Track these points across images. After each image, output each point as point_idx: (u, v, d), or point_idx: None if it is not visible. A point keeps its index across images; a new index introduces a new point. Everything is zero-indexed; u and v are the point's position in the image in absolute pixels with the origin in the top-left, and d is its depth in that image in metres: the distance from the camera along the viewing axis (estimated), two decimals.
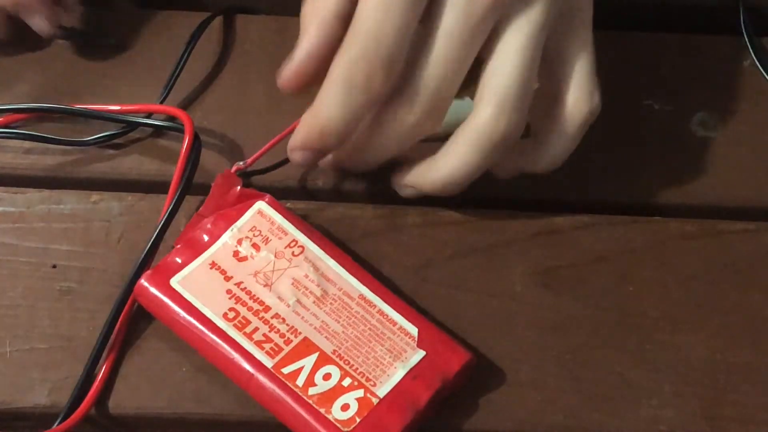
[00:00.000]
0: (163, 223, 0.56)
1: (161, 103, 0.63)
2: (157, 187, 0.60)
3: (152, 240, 0.56)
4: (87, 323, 0.56)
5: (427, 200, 0.61)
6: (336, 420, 0.51)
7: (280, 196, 0.59)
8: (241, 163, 0.59)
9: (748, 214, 0.61)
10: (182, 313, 0.54)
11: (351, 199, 0.61)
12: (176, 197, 0.57)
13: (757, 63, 0.66)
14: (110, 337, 0.55)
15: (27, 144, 0.62)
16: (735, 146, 0.63)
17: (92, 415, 0.53)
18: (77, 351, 0.55)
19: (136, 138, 0.62)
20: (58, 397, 0.54)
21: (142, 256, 0.56)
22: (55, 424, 0.52)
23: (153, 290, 0.54)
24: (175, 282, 0.54)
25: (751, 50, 0.66)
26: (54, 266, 0.58)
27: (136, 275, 0.55)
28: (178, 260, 0.55)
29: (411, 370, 0.52)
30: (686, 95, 0.65)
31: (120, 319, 0.55)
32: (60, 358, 0.55)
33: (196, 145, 0.58)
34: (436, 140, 0.62)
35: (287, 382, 0.52)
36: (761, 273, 0.58)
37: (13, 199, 0.60)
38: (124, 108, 0.61)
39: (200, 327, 0.53)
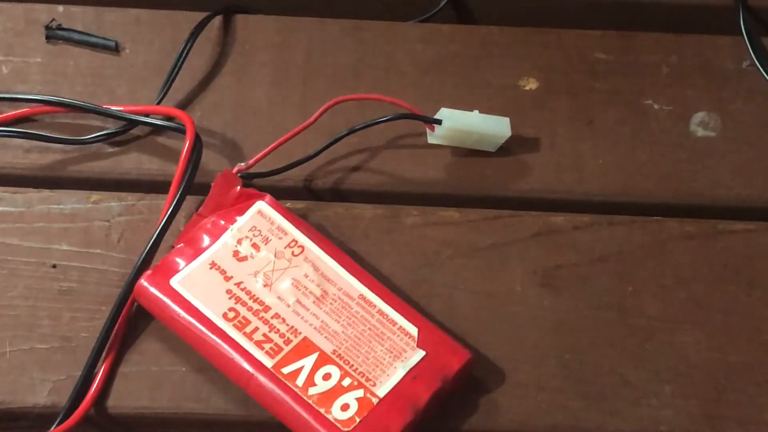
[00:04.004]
0: (164, 224, 0.56)
1: (159, 101, 0.63)
2: (157, 187, 0.60)
3: (152, 240, 0.56)
4: (87, 323, 0.56)
5: (427, 200, 0.61)
6: (336, 420, 0.51)
7: (280, 195, 0.59)
8: (242, 164, 0.59)
9: (748, 214, 0.61)
10: (182, 313, 0.54)
11: (351, 199, 0.61)
12: (176, 198, 0.57)
13: (757, 63, 0.66)
14: (110, 337, 0.55)
15: (27, 144, 0.62)
16: (735, 146, 0.63)
17: (92, 415, 0.53)
18: (77, 351, 0.55)
19: (136, 138, 0.62)
20: (58, 397, 0.54)
21: (142, 256, 0.56)
22: (55, 424, 0.52)
23: (153, 290, 0.54)
24: (175, 282, 0.54)
25: (751, 50, 0.66)
26: (54, 266, 0.58)
27: (136, 275, 0.55)
28: (178, 260, 0.55)
29: (411, 369, 0.52)
30: (686, 95, 0.65)
31: (120, 319, 0.55)
32: (60, 358, 0.55)
33: (197, 146, 0.58)
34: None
35: (287, 382, 0.52)
36: (761, 273, 0.58)
37: (13, 199, 0.60)
38: (127, 109, 0.61)
39: (200, 327, 0.53)
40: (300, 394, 0.51)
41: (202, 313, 0.54)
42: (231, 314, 0.54)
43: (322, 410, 0.51)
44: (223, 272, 0.55)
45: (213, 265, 0.55)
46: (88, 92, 0.64)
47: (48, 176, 0.61)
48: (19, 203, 0.60)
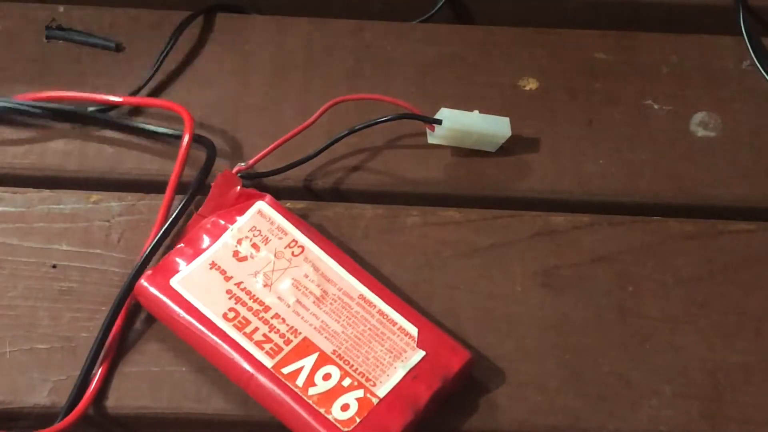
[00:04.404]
0: (168, 225, 0.56)
1: (139, 88, 0.63)
2: (157, 187, 0.60)
3: (153, 243, 0.56)
4: (87, 323, 0.56)
5: (428, 200, 0.61)
6: (336, 420, 0.51)
7: (280, 195, 0.59)
8: (242, 164, 0.59)
9: (748, 214, 0.61)
10: (182, 314, 0.54)
11: (351, 199, 0.61)
12: (187, 197, 0.57)
13: (757, 63, 0.66)
14: (109, 337, 0.54)
15: (27, 144, 0.62)
16: (735, 146, 0.63)
17: (92, 415, 0.53)
18: (77, 351, 0.55)
19: (136, 138, 0.62)
20: (58, 397, 0.54)
21: (142, 259, 0.55)
22: (54, 424, 0.52)
23: (153, 290, 0.54)
24: (175, 282, 0.54)
25: (751, 50, 0.66)
26: (54, 266, 0.58)
27: (136, 276, 0.55)
28: (178, 260, 0.55)
29: (411, 370, 0.52)
30: (686, 95, 0.65)
31: (119, 319, 0.55)
32: (60, 358, 0.55)
33: (210, 151, 0.59)
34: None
35: (287, 382, 0.52)
36: (761, 273, 0.58)
37: (13, 199, 0.60)
38: (127, 100, 0.62)
39: (200, 327, 0.53)
40: (300, 394, 0.51)
41: (202, 314, 0.54)
42: (231, 314, 0.54)
43: (322, 410, 0.51)
44: (223, 272, 0.55)
45: (213, 265, 0.55)
46: (88, 92, 0.64)
47: (48, 176, 0.61)
48: (19, 203, 0.60)
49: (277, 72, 0.65)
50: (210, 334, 0.53)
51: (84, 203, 0.60)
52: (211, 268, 0.55)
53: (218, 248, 0.56)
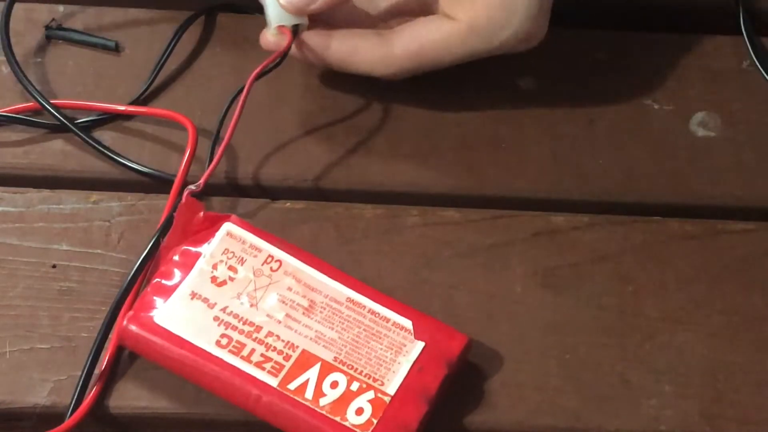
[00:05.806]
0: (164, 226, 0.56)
1: (142, 94, 0.63)
2: (157, 187, 0.60)
3: (153, 240, 0.56)
4: (87, 323, 0.56)
5: (428, 200, 0.61)
6: (354, 425, 0.51)
7: (279, 195, 0.59)
8: (192, 186, 0.57)
9: (748, 214, 0.61)
10: (174, 349, 0.52)
11: (351, 199, 0.61)
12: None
13: (757, 63, 0.66)
14: (109, 336, 0.54)
15: (27, 144, 0.62)
16: (735, 146, 0.63)
17: (92, 415, 0.53)
18: (77, 351, 0.55)
19: (136, 139, 0.62)
20: (58, 397, 0.54)
21: (142, 257, 0.55)
22: (55, 425, 0.52)
23: (139, 331, 0.53)
24: (159, 319, 0.53)
25: (751, 50, 0.66)
26: (54, 266, 0.58)
27: (137, 274, 0.55)
28: (156, 298, 0.54)
29: (415, 362, 0.52)
30: (686, 95, 0.65)
31: (119, 319, 0.55)
32: (60, 358, 0.55)
33: None
34: None
35: (296, 398, 0.51)
36: (761, 273, 0.58)
37: (13, 199, 0.60)
38: (129, 109, 0.62)
39: (196, 359, 0.52)
40: (312, 407, 0.51)
41: (194, 345, 0.52)
42: (224, 341, 0.53)
43: (337, 419, 0.51)
44: (205, 300, 0.54)
45: (194, 295, 0.54)
46: (87, 92, 0.64)
47: (48, 176, 0.61)
48: (19, 203, 0.60)
49: (277, 71, 0.65)
50: (207, 364, 0.52)
51: (84, 203, 0.60)
52: (192, 299, 0.54)
53: (194, 277, 0.54)
